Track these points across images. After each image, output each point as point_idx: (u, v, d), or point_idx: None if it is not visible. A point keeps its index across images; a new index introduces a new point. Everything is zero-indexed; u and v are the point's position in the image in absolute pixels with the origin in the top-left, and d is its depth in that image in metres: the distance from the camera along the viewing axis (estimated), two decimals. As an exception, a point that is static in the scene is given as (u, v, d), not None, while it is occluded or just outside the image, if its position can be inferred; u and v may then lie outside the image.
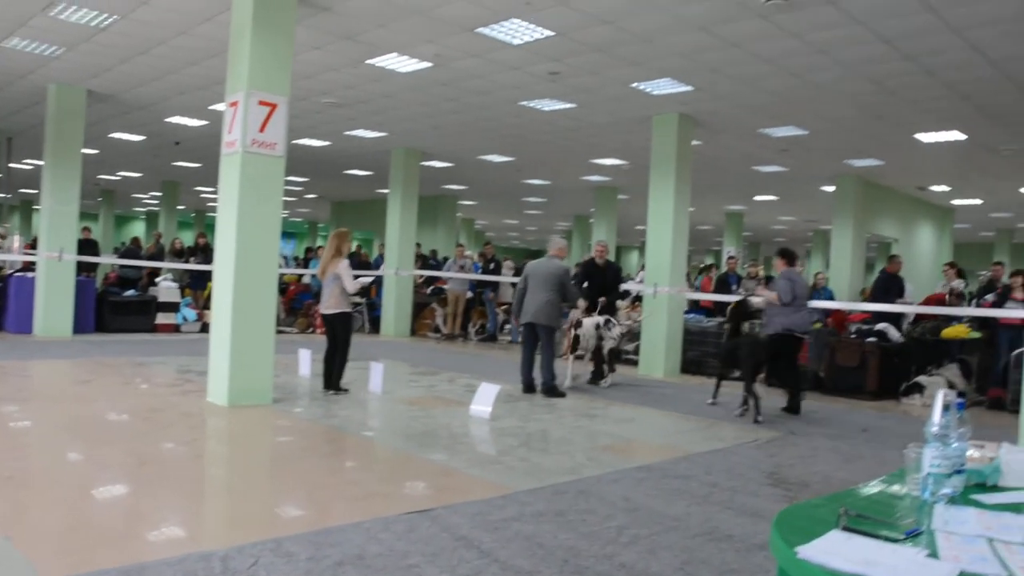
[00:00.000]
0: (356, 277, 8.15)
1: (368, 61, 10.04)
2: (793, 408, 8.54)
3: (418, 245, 18.22)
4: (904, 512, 1.90)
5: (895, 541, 1.62)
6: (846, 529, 1.67)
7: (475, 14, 8.14)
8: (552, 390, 8.82)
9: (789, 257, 8.77)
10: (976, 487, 2.12)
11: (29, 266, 12.58)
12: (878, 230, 18.36)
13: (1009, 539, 1.66)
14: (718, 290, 14.10)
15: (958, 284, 12.75)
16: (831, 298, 13.71)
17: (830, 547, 1.54)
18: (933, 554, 1.56)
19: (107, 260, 16.86)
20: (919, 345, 11.01)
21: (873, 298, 12.61)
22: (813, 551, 1.51)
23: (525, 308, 8.93)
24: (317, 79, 11.06)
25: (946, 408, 1.99)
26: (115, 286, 15.29)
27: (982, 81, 9.28)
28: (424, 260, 18.20)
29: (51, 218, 12.07)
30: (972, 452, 2.17)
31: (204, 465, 5.49)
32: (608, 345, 9.85)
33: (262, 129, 7.30)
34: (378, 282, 16.81)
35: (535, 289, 8.89)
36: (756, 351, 8.14)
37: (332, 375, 8.22)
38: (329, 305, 8.13)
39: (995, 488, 2.14)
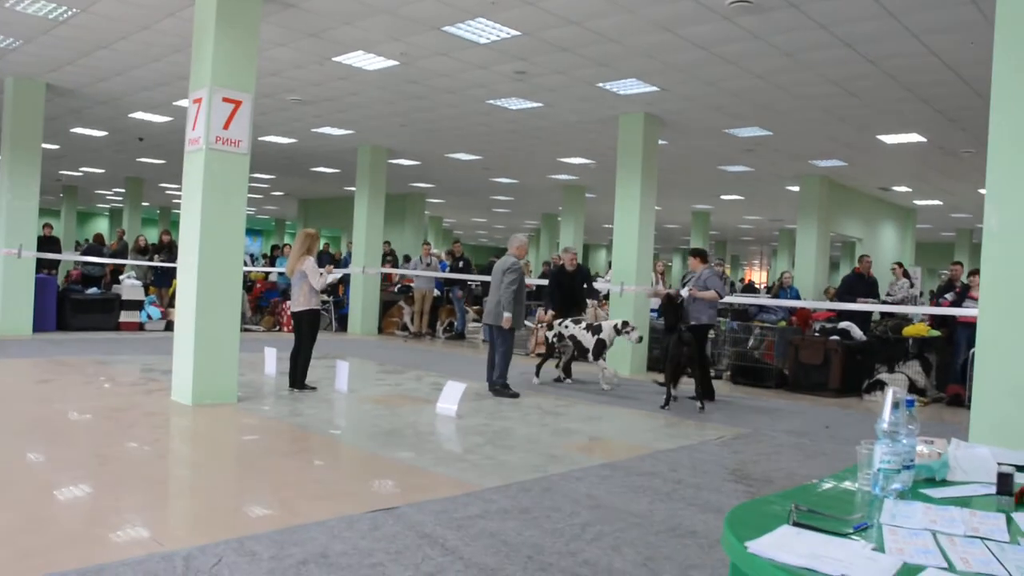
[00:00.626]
0: (323, 275, 8.13)
1: (334, 59, 9.98)
2: (710, 393, 9.15)
3: (387, 243, 18.17)
4: (855, 507, 1.95)
5: (843, 535, 1.66)
6: (796, 524, 1.71)
7: (441, 13, 8.14)
8: (502, 389, 8.72)
9: (704, 256, 9.51)
10: (925, 482, 2.18)
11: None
12: (842, 230, 18.62)
13: (952, 531, 1.71)
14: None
15: (902, 284, 13.13)
16: (797, 297, 13.90)
17: (779, 541, 1.58)
18: (879, 547, 1.60)
19: (68, 257, 16.59)
20: (881, 343, 11.19)
21: (838, 297, 12.83)
22: (762, 546, 1.55)
23: (485, 308, 9.00)
24: (283, 76, 10.98)
25: (896, 405, 2.04)
26: (77, 284, 15.08)
27: (941, 85, 9.46)
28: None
29: (9, 214, 11.85)
30: (921, 448, 2.23)
31: (167, 465, 5.44)
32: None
33: (226, 126, 7.25)
34: (345, 280, 16.75)
35: (492, 288, 8.98)
36: (701, 348, 8.80)
37: (297, 373, 8.21)
38: (298, 303, 8.16)
39: (943, 483, 2.20)
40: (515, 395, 8.70)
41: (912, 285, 13.90)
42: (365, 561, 3.50)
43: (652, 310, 12.97)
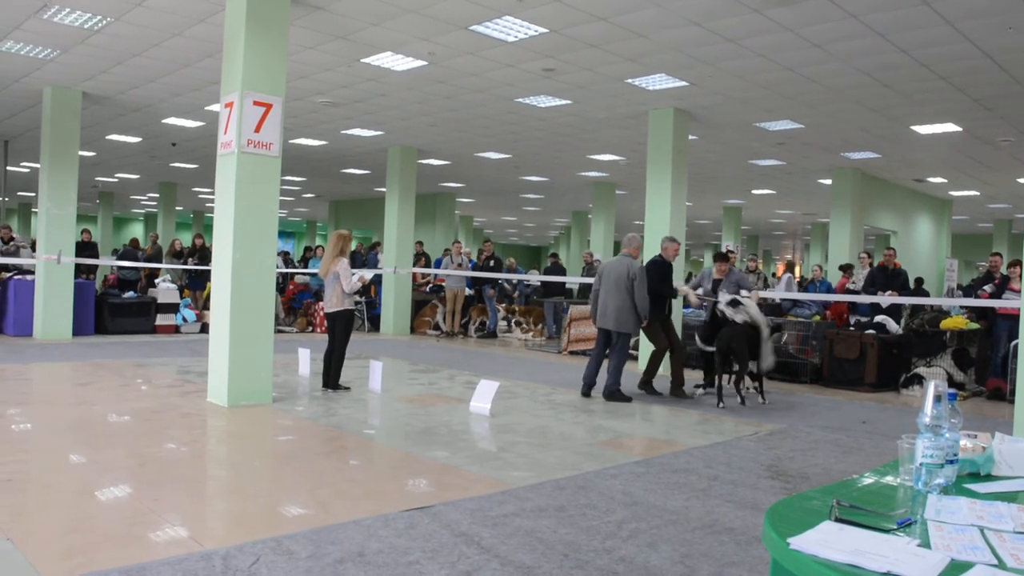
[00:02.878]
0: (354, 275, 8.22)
1: (363, 60, 10.04)
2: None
3: (419, 243, 18.23)
4: (897, 503, 1.91)
5: (887, 531, 1.63)
6: (838, 520, 1.68)
7: (468, 12, 8.14)
8: (616, 394, 8.47)
9: (726, 258, 9.73)
10: (969, 477, 2.14)
11: (28, 269, 12.59)
12: (876, 222, 18.37)
13: (1000, 528, 1.67)
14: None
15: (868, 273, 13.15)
16: (829, 290, 13.73)
17: (822, 538, 1.56)
18: (925, 544, 1.57)
19: (105, 262, 16.83)
20: (918, 336, 11.03)
21: (864, 291, 12.70)
22: (805, 542, 1.53)
23: (600, 311, 8.58)
24: (312, 79, 11.06)
25: (938, 399, 2.01)
26: (114, 288, 15.31)
27: (977, 73, 9.29)
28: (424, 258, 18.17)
29: (49, 221, 12.08)
30: (965, 442, 2.19)
31: (205, 465, 5.50)
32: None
33: (257, 129, 7.32)
34: (377, 280, 16.84)
35: (608, 291, 8.52)
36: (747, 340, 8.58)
37: (331, 373, 8.31)
38: (332, 304, 8.26)
39: (988, 477, 2.16)
40: (628, 399, 8.47)
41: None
42: (402, 560, 3.51)
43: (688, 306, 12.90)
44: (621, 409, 8.06)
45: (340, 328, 8.27)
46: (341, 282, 8.07)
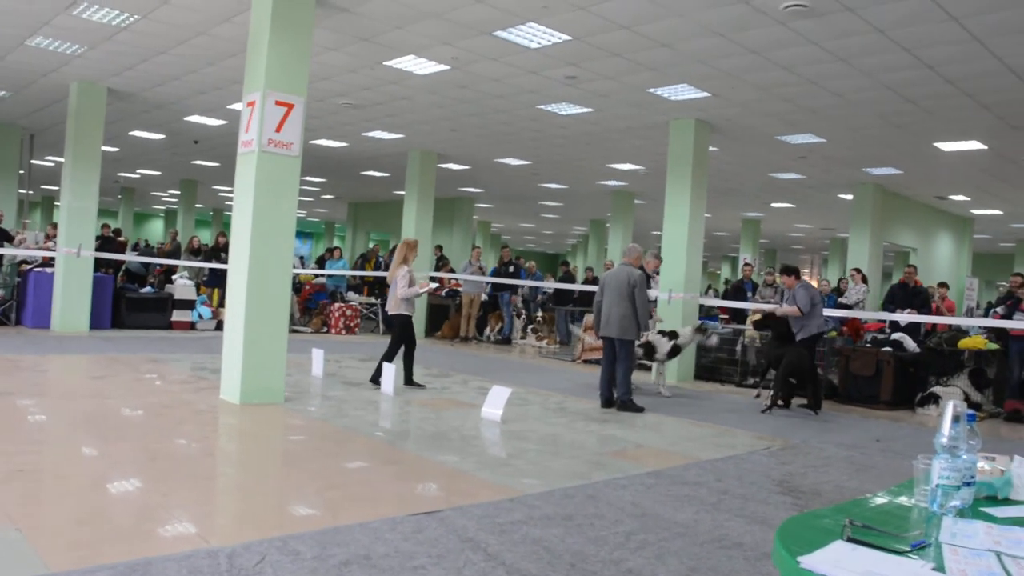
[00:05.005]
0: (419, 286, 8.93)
1: (385, 63, 10.07)
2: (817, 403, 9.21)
3: (439, 247, 18.26)
4: (911, 524, 1.88)
5: (900, 553, 1.60)
6: (850, 540, 1.65)
7: (492, 17, 8.15)
8: (628, 404, 8.47)
9: (796, 273, 9.73)
10: (986, 500, 2.10)
11: (48, 261, 12.70)
12: (896, 239, 18.23)
13: (1018, 554, 1.63)
14: (734, 297, 14.08)
15: (859, 289, 13.08)
16: (834, 305, 13.65)
17: (833, 557, 1.53)
18: (939, 567, 1.53)
19: (123, 257, 16.95)
20: (935, 355, 10.91)
21: (882, 308, 12.66)
22: (816, 561, 1.50)
23: (604, 320, 8.58)
24: (334, 80, 11.10)
25: (956, 419, 1.97)
26: (131, 283, 15.43)
27: (1004, 91, 9.20)
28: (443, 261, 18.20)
29: (70, 214, 12.18)
30: (982, 464, 2.14)
31: (215, 462, 5.51)
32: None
33: (278, 129, 7.34)
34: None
35: (611, 300, 8.53)
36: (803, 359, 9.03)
37: (406, 372, 8.96)
38: (390, 306, 8.91)
39: (1006, 501, 2.11)
40: (641, 409, 8.43)
41: (868, 291, 14.18)
42: (407, 564, 3.49)
43: (705, 318, 12.90)
44: (633, 419, 8.01)
45: (396, 330, 8.90)
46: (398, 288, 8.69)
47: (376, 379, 8.79)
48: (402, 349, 8.91)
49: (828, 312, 12.20)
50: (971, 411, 2.04)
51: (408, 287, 8.65)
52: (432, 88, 11.23)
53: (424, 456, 5.80)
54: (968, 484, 1.97)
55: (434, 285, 13.28)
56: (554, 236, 40.90)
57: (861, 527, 1.72)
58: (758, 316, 11.29)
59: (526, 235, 41.72)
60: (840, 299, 13.58)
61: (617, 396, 8.55)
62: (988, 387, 10.49)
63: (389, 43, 9.25)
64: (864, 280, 14.00)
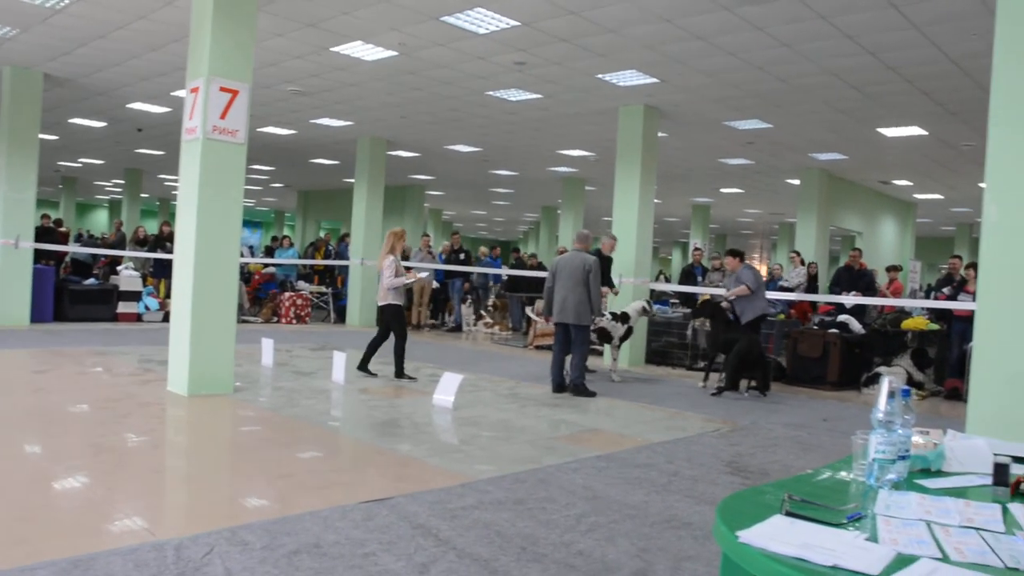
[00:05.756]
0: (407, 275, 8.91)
1: (332, 49, 9.94)
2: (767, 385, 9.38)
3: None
4: (849, 497, 1.92)
5: (836, 525, 1.64)
6: (788, 514, 1.68)
7: (439, 2, 8.09)
8: (581, 389, 8.50)
9: (740, 255, 9.78)
10: (921, 473, 2.16)
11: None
12: (842, 223, 18.59)
13: (947, 522, 1.69)
14: (684, 281, 14.25)
15: (798, 272, 13.37)
16: (775, 289, 13.89)
17: (771, 532, 1.55)
18: (873, 538, 1.58)
19: (64, 248, 16.50)
20: (880, 336, 11.17)
21: (829, 291, 12.92)
22: (754, 535, 1.52)
23: (559, 306, 8.54)
24: (281, 67, 10.93)
25: (891, 395, 2.02)
26: (74, 275, 15.06)
27: (942, 78, 9.41)
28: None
29: (7, 205, 11.82)
30: (917, 438, 2.20)
31: (162, 455, 5.42)
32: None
33: (223, 116, 7.21)
34: (344, 272, 16.72)
35: (565, 287, 8.50)
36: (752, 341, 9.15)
37: (397, 365, 8.88)
38: (379, 297, 8.86)
39: (939, 473, 2.18)
40: (593, 394, 8.46)
41: (807, 273, 14.25)
42: (358, 551, 3.48)
43: (657, 302, 13.02)
44: (585, 404, 8.07)
45: (390, 321, 8.82)
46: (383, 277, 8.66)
47: (364, 367, 8.88)
48: (392, 341, 8.91)
49: (775, 296, 12.41)
50: (906, 387, 2.09)
51: (395, 277, 8.61)
52: (380, 74, 11.13)
53: (376, 444, 5.78)
54: (903, 458, 2.03)
55: (424, 275, 13.14)
56: (506, 223, 40.90)
57: (800, 501, 1.75)
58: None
59: (478, 222, 41.66)
60: (780, 283, 13.80)
61: (571, 380, 8.60)
62: (930, 366, 10.77)
63: (335, 29, 9.13)
64: (803, 263, 14.22)
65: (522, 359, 11.74)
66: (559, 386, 8.65)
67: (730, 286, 9.61)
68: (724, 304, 9.57)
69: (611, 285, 10.82)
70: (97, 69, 11.63)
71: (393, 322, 8.83)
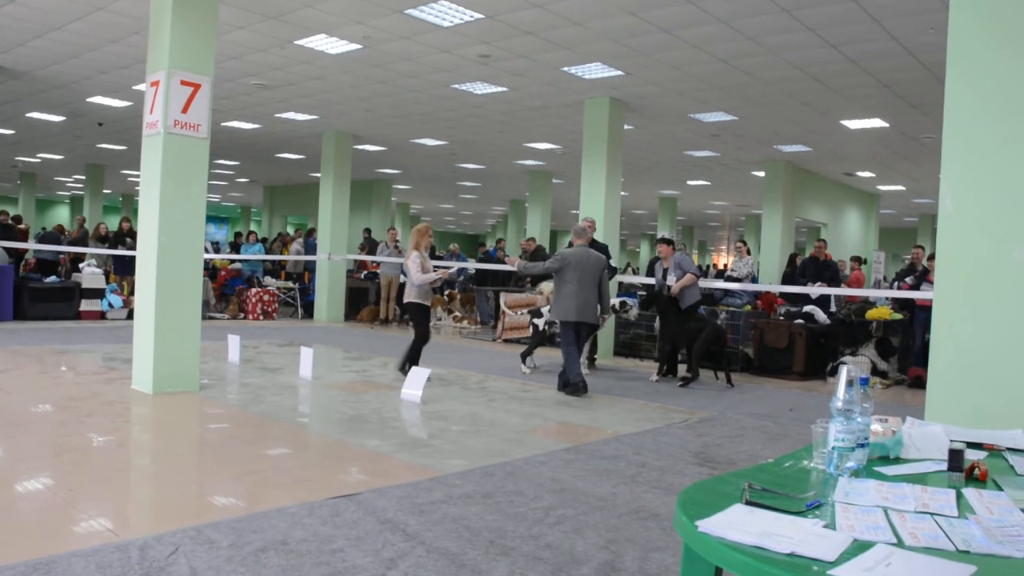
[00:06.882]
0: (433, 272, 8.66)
1: (296, 42, 9.85)
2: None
3: (367, 231, 18.00)
4: (809, 486, 1.95)
5: (795, 513, 1.66)
6: (748, 503, 1.70)
7: (405, -5, 8.06)
8: (570, 385, 8.23)
9: (672, 243, 10.21)
10: (879, 460, 2.19)
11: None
12: (807, 215, 18.80)
13: (903, 508, 1.72)
14: (649, 273, 14.32)
15: (746, 261, 13.55)
16: (754, 281, 14.02)
17: (730, 520, 1.57)
18: (831, 525, 1.60)
19: (23, 245, 16.22)
20: (845, 326, 11.32)
21: (792, 280, 13.06)
22: (713, 524, 1.54)
23: (579, 306, 8.21)
24: (244, 60, 10.81)
25: (850, 384, 2.05)
26: (36, 272, 14.80)
27: (902, 70, 9.55)
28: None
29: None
30: (875, 426, 2.24)
31: (126, 454, 5.34)
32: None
33: (185, 110, 7.12)
34: (311, 267, 16.59)
35: (586, 288, 8.23)
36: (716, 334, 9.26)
37: (405, 361, 8.61)
38: (405, 295, 8.68)
39: (897, 460, 2.22)
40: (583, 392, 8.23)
41: (754, 263, 14.58)
42: (325, 547, 3.46)
43: (624, 294, 13.07)
44: (554, 397, 8.09)
45: (412, 318, 8.73)
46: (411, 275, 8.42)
47: (401, 368, 8.52)
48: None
49: (740, 287, 12.52)
50: (864, 376, 2.12)
51: (422, 273, 8.28)
52: (345, 68, 11.05)
53: (343, 440, 5.75)
54: (862, 445, 2.06)
55: (454, 269, 12.98)
56: (473, 217, 40.86)
57: (760, 490, 1.77)
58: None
59: (446, 216, 41.56)
60: (728, 272, 13.90)
61: (573, 377, 8.23)
62: (893, 355, 10.94)
63: (299, 21, 9.04)
64: (749, 252, 14.19)
65: (491, 353, 11.74)
66: (584, 385, 8.21)
67: (671, 273, 9.74)
68: (673, 292, 9.50)
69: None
70: (54, 61, 11.42)
71: (417, 320, 8.64)
